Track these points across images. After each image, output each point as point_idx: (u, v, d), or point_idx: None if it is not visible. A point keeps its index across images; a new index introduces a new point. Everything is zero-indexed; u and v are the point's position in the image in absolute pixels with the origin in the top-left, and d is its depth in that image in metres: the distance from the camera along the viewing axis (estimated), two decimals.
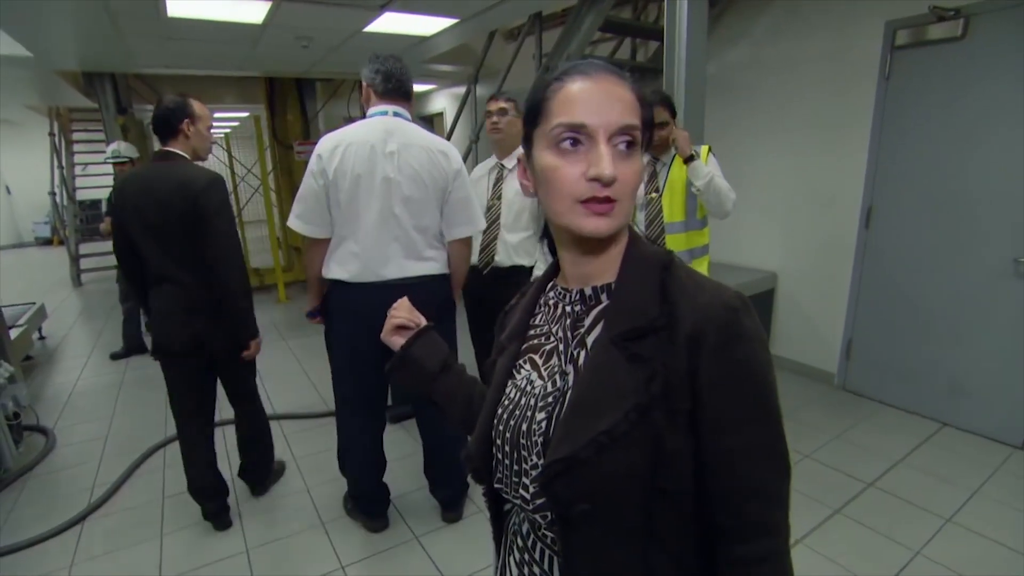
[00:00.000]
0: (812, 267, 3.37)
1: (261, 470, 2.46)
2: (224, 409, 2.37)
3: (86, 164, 7.59)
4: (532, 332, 0.72)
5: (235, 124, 9.89)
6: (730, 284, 0.61)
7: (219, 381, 2.24)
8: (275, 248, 5.98)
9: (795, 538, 2.05)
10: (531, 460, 0.64)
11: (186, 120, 1.97)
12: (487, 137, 2.45)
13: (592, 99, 0.57)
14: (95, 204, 8.01)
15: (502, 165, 2.43)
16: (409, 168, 1.85)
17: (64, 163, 7.50)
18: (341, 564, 2.03)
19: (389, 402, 2.44)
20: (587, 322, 0.65)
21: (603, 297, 0.65)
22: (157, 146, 2.03)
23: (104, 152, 4.06)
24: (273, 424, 2.58)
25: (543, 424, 0.63)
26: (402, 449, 2.72)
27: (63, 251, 7.96)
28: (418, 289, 1.71)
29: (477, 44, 4.44)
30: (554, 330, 0.69)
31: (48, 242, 10.55)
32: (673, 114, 2.21)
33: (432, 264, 1.97)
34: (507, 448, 0.67)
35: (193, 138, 2.01)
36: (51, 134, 7.41)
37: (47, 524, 2.26)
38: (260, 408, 2.38)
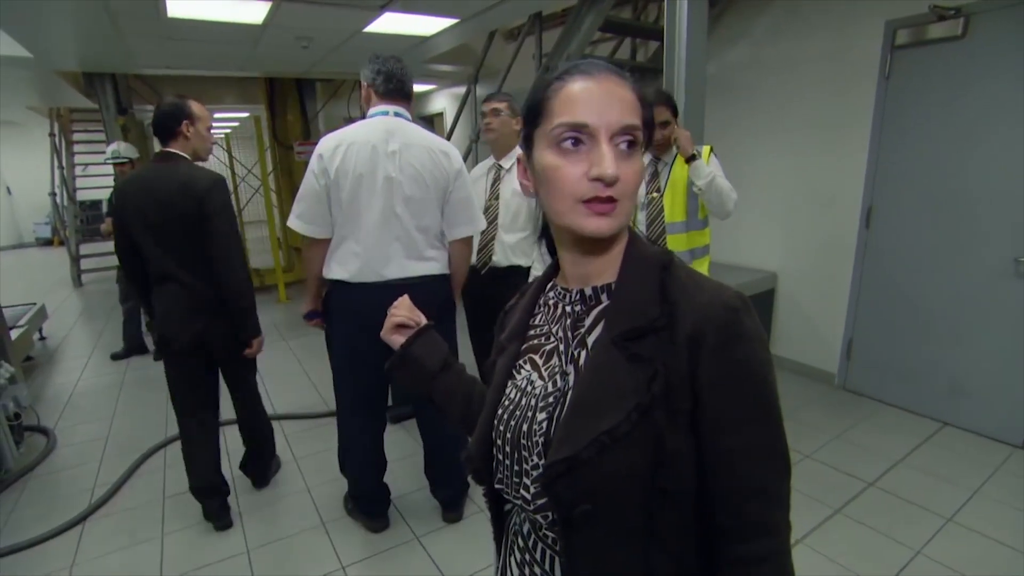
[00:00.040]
0: (812, 267, 3.37)
1: (263, 462, 2.49)
2: (224, 410, 2.37)
3: (86, 164, 7.59)
4: (532, 332, 0.72)
5: (235, 125, 9.90)
6: (730, 284, 0.61)
7: (221, 378, 2.26)
8: (275, 248, 5.99)
9: (795, 538, 2.04)
10: (532, 460, 0.64)
11: (185, 121, 1.98)
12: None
13: (593, 99, 0.57)
14: (95, 204, 8.01)
15: (499, 165, 2.43)
16: (411, 168, 1.85)
17: (64, 163, 7.51)
18: (342, 564, 2.03)
19: (389, 402, 2.45)
20: (587, 322, 0.65)
21: (603, 297, 0.65)
22: (158, 147, 2.04)
23: (104, 153, 4.06)
24: (274, 424, 2.59)
25: (544, 424, 0.63)
26: (402, 449, 2.72)
27: (63, 251, 7.96)
28: (419, 289, 1.70)
29: (477, 44, 4.44)
30: (554, 330, 0.69)
31: (49, 243, 10.56)
32: (675, 113, 2.21)
33: (433, 264, 1.97)
34: (508, 448, 0.67)
35: (193, 139, 2.02)
36: (51, 135, 7.41)
37: (48, 524, 2.26)
38: (259, 401, 2.43)
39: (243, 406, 2.38)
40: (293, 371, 3.90)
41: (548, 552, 0.66)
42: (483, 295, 2.48)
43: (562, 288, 0.69)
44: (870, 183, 3.00)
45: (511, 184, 2.39)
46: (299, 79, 6.07)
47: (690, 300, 0.58)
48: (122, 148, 3.83)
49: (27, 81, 5.13)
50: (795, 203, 3.38)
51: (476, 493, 2.32)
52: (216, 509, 2.21)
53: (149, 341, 4.28)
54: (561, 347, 0.67)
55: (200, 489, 2.18)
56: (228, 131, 8.63)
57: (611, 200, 0.58)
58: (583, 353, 0.64)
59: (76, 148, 7.81)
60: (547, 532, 0.66)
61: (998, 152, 2.52)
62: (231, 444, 2.62)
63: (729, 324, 0.56)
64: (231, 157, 6.41)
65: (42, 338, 4.74)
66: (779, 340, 3.62)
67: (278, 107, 6.31)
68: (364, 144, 1.80)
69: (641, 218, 2.32)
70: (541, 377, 0.67)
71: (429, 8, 3.26)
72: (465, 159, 2.48)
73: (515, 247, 2.40)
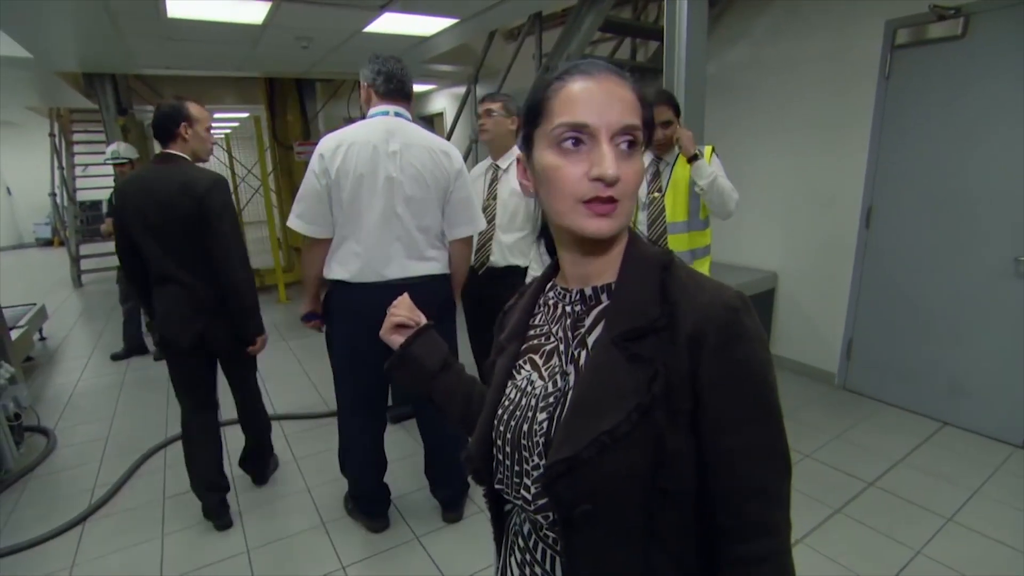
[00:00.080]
0: (812, 267, 3.37)
1: (262, 460, 2.50)
2: (225, 410, 2.37)
3: (86, 165, 7.59)
4: (532, 332, 0.72)
5: (235, 125, 9.90)
6: (730, 284, 0.61)
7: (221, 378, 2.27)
8: (275, 249, 5.99)
9: (796, 538, 2.04)
10: (532, 461, 0.64)
11: (183, 124, 2.00)
12: None
13: (594, 99, 0.57)
14: (95, 205, 8.00)
15: (496, 166, 2.44)
16: (411, 168, 1.85)
17: (64, 164, 7.51)
18: (342, 564, 2.03)
19: (390, 402, 2.45)
20: (587, 322, 0.65)
21: (603, 297, 0.65)
22: (158, 148, 2.05)
23: (104, 153, 4.06)
24: (274, 424, 2.59)
25: (544, 424, 0.63)
26: (403, 449, 2.72)
27: (63, 252, 7.96)
28: (420, 289, 1.70)
29: (477, 44, 4.44)
30: (554, 330, 0.69)
31: (49, 243, 10.56)
32: (678, 113, 2.20)
33: (434, 264, 1.98)
34: (508, 449, 0.67)
35: (192, 140, 2.03)
36: (51, 135, 7.41)
37: (48, 525, 2.27)
38: (260, 400, 2.44)
39: (243, 407, 2.39)
40: (293, 371, 3.90)
41: (549, 552, 0.66)
42: (481, 295, 2.48)
43: (562, 288, 0.69)
44: (870, 183, 3.00)
45: (508, 184, 2.39)
46: (299, 79, 6.07)
47: (691, 300, 0.58)
48: (121, 148, 3.83)
49: (27, 81, 5.13)
50: (795, 203, 3.38)
51: (476, 493, 2.32)
52: (216, 505, 2.21)
53: (149, 341, 4.29)
54: (561, 347, 0.67)
55: (202, 483, 2.19)
56: (228, 131, 8.64)
57: (612, 200, 0.58)
58: (583, 353, 0.64)
59: (76, 148, 7.81)
60: (547, 532, 0.66)
61: (998, 152, 2.52)
62: (230, 444, 2.62)
63: (730, 324, 0.56)
64: (231, 157, 6.41)
65: (42, 338, 4.74)
66: (779, 340, 3.62)
67: (278, 107, 6.31)
68: (365, 144, 1.80)
69: (642, 218, 2.32)
70: (541, 377, 0.67)
71: (429, 8, 3.26)
72: (465, 159, 2.49)
73: (512, 247, 2.41)
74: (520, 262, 2.41)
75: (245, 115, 7.84)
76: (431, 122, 7.28)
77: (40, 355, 4.43)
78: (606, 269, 0.65)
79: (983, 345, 2.70)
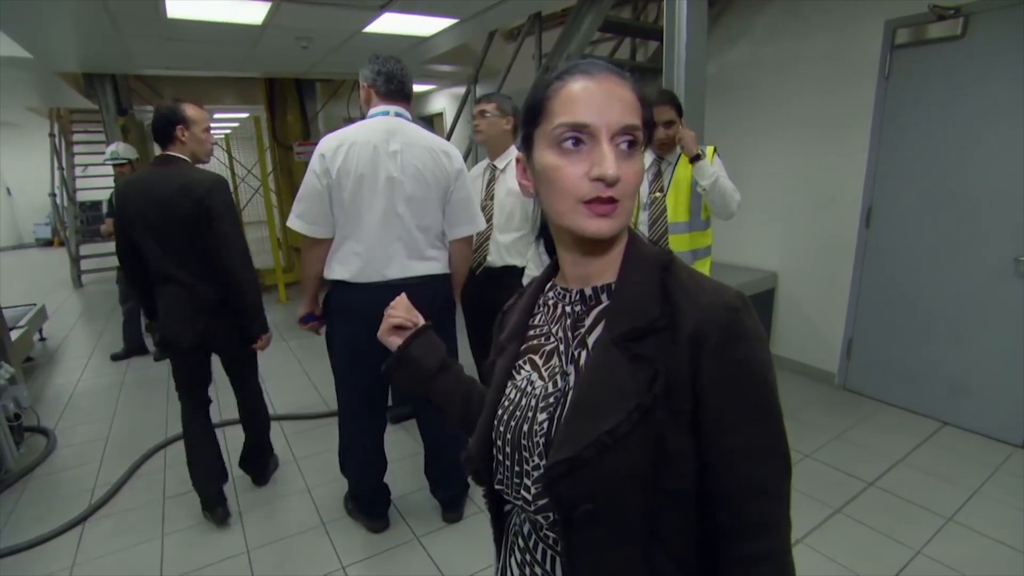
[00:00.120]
0: (812, 267, 3.37)
1: (263, 459, 2.50)
2: (225, 411, 2.37)
3: (86, 165, 7.60)
4: (531, 332, 0.72)
5: (235, 125, 9.90)
6: (731, 284, 0.61)
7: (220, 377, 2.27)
8: (275, 249, 5.99)
9: (796, 538, 2.04)
10: (532, 461, 0.63)
11: (179, 126, 2.01)
12: None
13: (594, 99, 0.57)
14: (95, 205, 8.00)
15: (493, 166, 2.44)
16: (412, 168, 1.85)
17: (64, 164, 7.51)
18: (342, 564, 2.03)
19: (390, 402, 2.45)
20: (587, 322, 0.65)
21: (603, 297, 0.65)
22: (158, 150, 2.06)
23: (104, 153, 4.06)
24: (274, 424, 2.59)
25: (544, 425, 0.63)
26: (403, 449, 2.72)
27: (63, 252, 7.96)
28: (420, 289, 1.71)
29: (477, 44, 4.44)
30: (554, 330, 0.69)
31: (49, 243, 10.55)
32: (680, 113, 2.20)
33: (434, 264, 1.98)
34: (508, 449, 0.67)
35: (189, 142, 2.04)
36: (51, 135, 7.41)
37: (48, 525, 2.26)
38: (260, 399, 2.44)
39: (244, 406, 2.39)
40: (293, 371, 3.90)
41: (549, 552, 0.66)
42: (478, 295, 2.48)
43: (562, 288, 0.69)
44: (870, 183, 3.00)
45: (505, 184, 2.40)
46: (299, 79, 6.06)
47: (691, 300, 0.58)
48: (121, 149, 3.83)
49: (27, 82, 5.14)
50: (795, 203, 3.38)
51: (476, 493, 2.32)
52: (215, 494, 2.21)
53: (149, 342, 4.29)
54: (561, 347, 0.67)
55: (203, 476, 2.19)
56: (228, 132, 8.64)
57: (612, 200, 0.58)
58: (583, 353, 0.64)
59: (76, 149, 7.81)
60: (548, 532, 0.66)
61: (998, 152, 2.52)
62: (230, 443, 2.61)
63: (730, 324, 0.56)
64: (231, 157, 6.41)
65: (42, 339, 4.74)
66: (779, 340, 3.62)
67: (278, 107, 6.31)
68: (365, 144, 1.80)
69: (644, 218, 2.32)
70: (541, 377, 0.67)
71: (429, 8, 3.26)
72: (465, 159, 2.49)
73: (510, 247, 2.41)
74: (517, 262, 2.41)
75: (245, 115, 7.84)
76: (431, 122, 7.28)
77: (40, 355, 4.43)
78: (606, 269, 0.65)
79: (983, 345, 2.70)
